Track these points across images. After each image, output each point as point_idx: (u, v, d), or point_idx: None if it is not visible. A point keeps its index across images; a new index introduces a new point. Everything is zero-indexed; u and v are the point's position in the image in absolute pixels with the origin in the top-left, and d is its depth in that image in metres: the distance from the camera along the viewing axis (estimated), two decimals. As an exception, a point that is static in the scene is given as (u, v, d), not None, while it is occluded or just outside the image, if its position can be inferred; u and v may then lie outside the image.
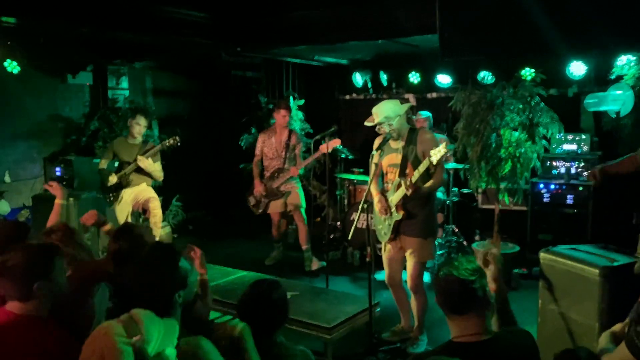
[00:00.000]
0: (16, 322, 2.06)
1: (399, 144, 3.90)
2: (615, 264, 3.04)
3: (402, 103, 3.92)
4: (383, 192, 4.04)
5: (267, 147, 6.02)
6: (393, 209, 3.88)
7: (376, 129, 3.91)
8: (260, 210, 6.07)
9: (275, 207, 6.04)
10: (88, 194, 5.87)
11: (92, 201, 5.92)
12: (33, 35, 5.75)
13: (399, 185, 3.80)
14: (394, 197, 3.86)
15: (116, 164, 5.85)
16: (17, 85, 6.47)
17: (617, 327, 2.20)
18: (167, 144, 5.66)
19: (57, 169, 6.74)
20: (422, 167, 3.62)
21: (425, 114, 6.28)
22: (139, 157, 5.56)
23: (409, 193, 3.69)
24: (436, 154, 3.49)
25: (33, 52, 6.13)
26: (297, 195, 6.02)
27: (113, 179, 5.68)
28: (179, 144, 5.68)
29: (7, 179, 6.63)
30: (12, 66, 6.04)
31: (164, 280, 2.03)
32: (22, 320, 2.07)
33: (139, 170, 5.69)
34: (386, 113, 3.79)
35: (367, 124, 3.94)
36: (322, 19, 5.82)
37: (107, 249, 2.79)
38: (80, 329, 2.16)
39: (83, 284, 2.48)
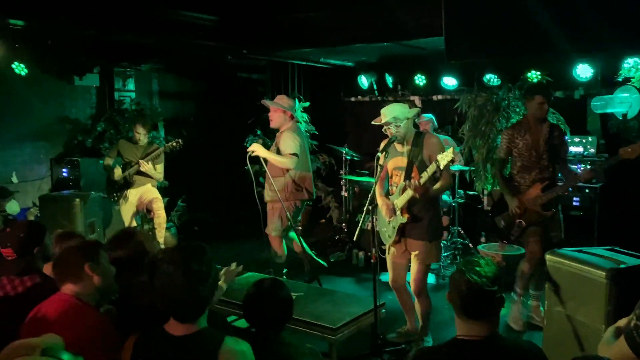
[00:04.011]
0: (69, 302, 2.23)
1: (405, 148, 3.90)
2: (622, 266, 3.02)
3: (410, 107, 3.92)
4: (387, 196, 4.03)
5: (520, 147, 4.36)
6: (398, 212, 3.88)
7: (383, 129, 3.91)
8: (513, 238, 4.43)
9: (533, 235, 4.28)
10: (95, 194, 5.90)
11: (99, 201, 5.96)
12: (40, 37, 5.79)
13: (404, 189, 3.79)
14: (399, 200, 3.85)
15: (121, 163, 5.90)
16: (24, 87, 6.53)
17: (622, 321, 2.19)
18: (170, 146, 5.71)
19: (64, 170, 6.79)
20: (429, 171, 3.62)
21: (427, 116, 6.28)
22: (141, 162, 5.61)
23: (417, 195, 3.69)
24: (443, 159, 3.48)
25: (40, 54, 6.18)
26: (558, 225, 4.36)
27: (118, 171, 5.72)
28: (181, 147, 5.71)
29: (14, 179, 6.68)
30: (20, 68, 6.09)
31: (200, 284, 1.93)
32: (73, 302, 2.24)
33: (142, 172, 5.72)
34: (395, 114, 3.79)
35: (374, 122, 3.94)
36: (327, 21, 5.82)
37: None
38: None
39: None
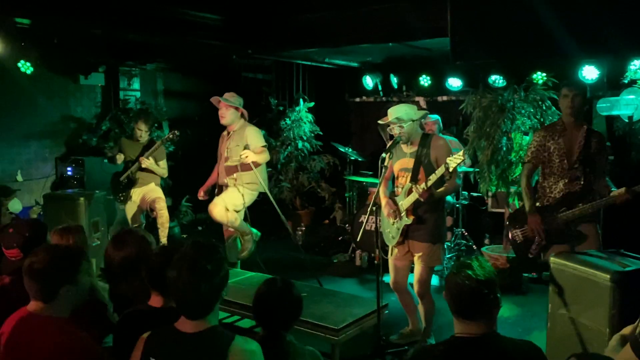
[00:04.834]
0: (35, 321, 2.11)
1: (411, 149, 3.89)
2: (627, 269, 3.00)
3: (418, 109, 3.92)
4: (392, 196, 4.02)
5: (551, 151, 3.85)
6: (403, 214, 3.87)
7: (387, 129, 3.91)
8: (531, 256, 3.92)
9: None
10: (99, 193, 5.91)
11: (103, 200, 5.97)
12: (46, 36, 5.82)
13: (410, 191, 3.78)
14: (405, 202, 3.84)
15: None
16: (30, 86, 6.57)
17: (627, 329, 2.18)
18: (167, 139, 5.72)
19: (69, 168, 6.81)
20: (438, 173, 3.60)
21: (434, 117, 6.27)
22: (141, 159, 5.62)
23: (422, 199, 3.68)
24: (453, 161, 3.47)
25: (46, 53, 6.21)
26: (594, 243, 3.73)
27: (121, 157, 5.75)
28: (178, 137, 5.71)
29: (19, 177, 6.71)
30: (26, 67, 6.12)
31: (209, 281, 1.94)
32: (41, 320, 2.12)
33: (145, 169, 5.73)
34: (398, 114, 3.79)
35: (379, 121, 3.95)
36: (333, 21, 5.82)
37: (111, 259, 2.61)
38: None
39: None
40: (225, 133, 5.23)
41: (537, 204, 3.89)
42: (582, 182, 3.73)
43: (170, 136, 5.68)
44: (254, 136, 5.07)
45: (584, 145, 3.72)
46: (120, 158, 5.76)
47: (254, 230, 5.30)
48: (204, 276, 1.92)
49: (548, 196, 3.84)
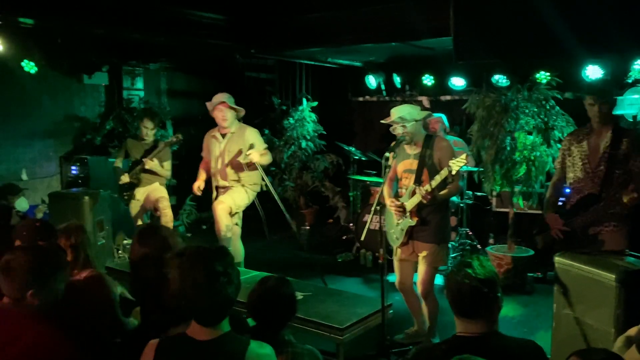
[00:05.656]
0: (6, 315, 2.11)
1: (415, 150, 3.89)
2: (632, 269, 3.00)
3: (422, 109, 3.92)
4: (396, 197, 4.03)
5: (574, 155, 3.73)
6: (407, 215, 3.88)
7: (390, 129, 3.92)
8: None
9: None
10: (104, 192, 5.92)
11: (108, 200, 5.98)
12: (50, 35, 5.83)
13: (414, 192, 3.79)
14: (409, 203, 3.85)
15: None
16: (34, 85, 6.59)
17: (632, 330, 2.19)
18: (170, 142, 5.72)
19: (73, 167, 6.83)
20: (441, 176, 3.61)
21: (437, 115, 6.26)
22: (145, 160, 5.62)
23: (425, 201, 3.69)
24: (456, 164, 3.47)
25: (50, 52, 6.23)
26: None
27: (125, 179, 5.75)
28: (181, 141, 5.72)
29: (24, 176, 6.74)
30: (30, 66, 6.14)
31: (225, 286, 1.86)
32: (13, 314, 2.11)
33: (149, 170, 5.74)
34: (401, 114, 3.79)
35: (382, 121, 3.95)
36: (335, 21, 5.83)
37: (132, 253, 2.56)
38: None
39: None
40: (216, 134, 5.17)
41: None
42: (606, 186, 3.52)
43: (174, 139, 5.68)
44: (257, 138, 5.10)
45: (610, 146, 3.51)
46: (124, 179, 5.74)
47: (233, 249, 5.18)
48: (221, 281, 1.85)
49: (571, 201, 3.72)
